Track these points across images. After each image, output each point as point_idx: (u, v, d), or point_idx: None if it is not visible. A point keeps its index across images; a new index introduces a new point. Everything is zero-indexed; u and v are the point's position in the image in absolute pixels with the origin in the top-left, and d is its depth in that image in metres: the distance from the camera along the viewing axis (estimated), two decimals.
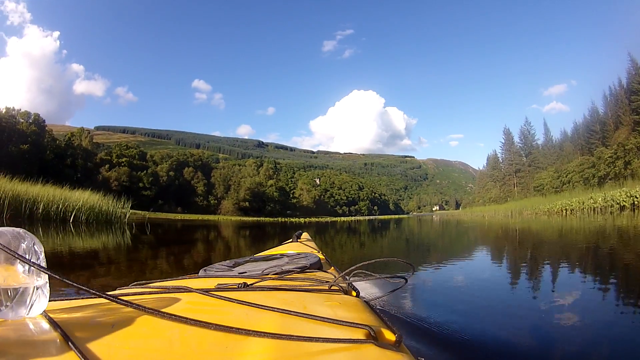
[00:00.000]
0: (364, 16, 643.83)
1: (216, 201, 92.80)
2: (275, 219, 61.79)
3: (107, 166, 76.13)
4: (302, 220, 49.68)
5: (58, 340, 0.71)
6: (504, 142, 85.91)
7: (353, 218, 77.00)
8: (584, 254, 8.01)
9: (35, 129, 65.56)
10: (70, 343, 0.69)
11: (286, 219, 57.53)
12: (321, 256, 2.35)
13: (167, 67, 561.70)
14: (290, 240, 3.44)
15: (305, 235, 3.80)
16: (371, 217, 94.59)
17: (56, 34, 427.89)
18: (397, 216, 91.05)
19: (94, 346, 0.70)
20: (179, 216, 59.44)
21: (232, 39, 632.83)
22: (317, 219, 55.90)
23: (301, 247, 3.03)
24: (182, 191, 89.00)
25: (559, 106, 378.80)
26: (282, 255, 2.19)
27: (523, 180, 77.96)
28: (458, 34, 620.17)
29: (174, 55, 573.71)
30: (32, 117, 67.02)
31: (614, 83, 61.46)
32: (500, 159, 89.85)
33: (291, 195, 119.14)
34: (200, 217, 60.90)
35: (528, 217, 39.38)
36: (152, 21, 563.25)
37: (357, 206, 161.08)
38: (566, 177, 58.26)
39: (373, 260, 1.72)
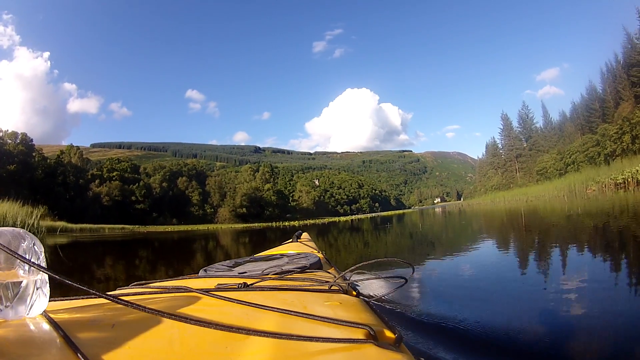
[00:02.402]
0: (352, 15, 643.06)
1: (212, 210, 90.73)
2: (269, 223, 59.07)
3: (97, 181, 74.49)
4: (296, 223, 47.30)
5: (58, 341, 0.71)
6: (502, 127, 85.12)
7: (354, 217, 74.46)
8: None
9: (23, 149, 64.34)
10: (70, 343, 0.69)
11: (279, 223, 54.87)
12: (321, 256, 2.33)
13: (159, 79, 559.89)
14: (290, 240, 3.44)
15: (305, 235, 3.80)
16: (373, 214, 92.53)
17: (46, 54, 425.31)
18: (401, 211, 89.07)
19: (94, 346, 0.70)
20: (169, 228, 57.88)
21: (221, 47, 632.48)
22: (312, 221, 52.91)
23: (301, 247, 3.03)
24: (177, 202, 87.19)
25: (553, 90, 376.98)
26: (282, 256, 2.21)
27: (525, 165, 76.93)
28: (447, 26, 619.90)
29: (165, 66, 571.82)
30: (20, 137, 65.73)
31: (609, 59, 60.82)
32: (499, 146, 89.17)
33: (290, 198, 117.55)
34: (190, 227, 58.96)
35: (592, 194, 32.05)
36: (141, 34, 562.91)
37: (358, 204, 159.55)
38: (570, 157, 56.83)
39: (373, 260, 1.73)
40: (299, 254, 2.24)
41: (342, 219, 56.88)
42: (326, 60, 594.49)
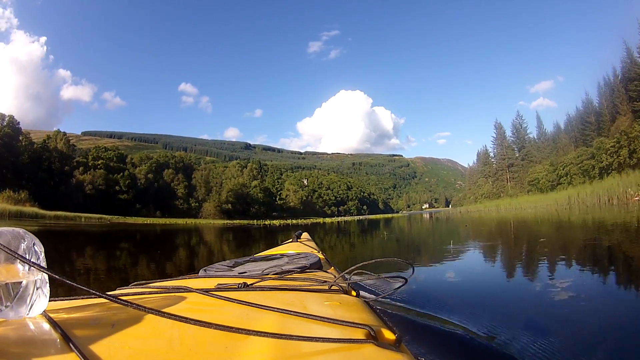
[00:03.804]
0: (349, 16, 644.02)
1: (197, 204, 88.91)
2: (249, 221, 56.94)
3: (81, 169, 72.40)
4: (277, 222, 45.07)
5: (58, 340, 0.72)
6: (495, 136, 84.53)
7: (341, 218, 72.59)
8: None
9: (8, 132, 62.27)
10: (70, 343, 0.70)
11: (260, 222, 51.53)
12: (321, 256, 2.33)
13: (154, 71, 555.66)
14: (290, 240, 3.40)
15: (305, 235, 3.76)
16: (361, 216, 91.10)
17: (43, 39, 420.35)
18: (390, 215, 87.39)
19: (94, 346, 0.71)
20: (148, 220, 55.92)
21: (217, 42, 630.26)
22: (296, 221, 49.78)
23: (301, 247, 3.03)
24: (162, 194, 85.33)
25: (546, 102, 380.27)
26: (282, 255, 2.20)
27: (516, 175, 76.36)
28: (444, 33, 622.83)
29: (160, 58, 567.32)
30: (7, 119, 63.50)
31: (607, 73, 60.38)
32: (491, 155, 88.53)
33: (277, 197, 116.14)
34: (168, 220, 57.12)
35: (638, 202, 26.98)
36: (138, 24, 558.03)
37: (346, 206, 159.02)
38: (563, 169, 55.91)
39: (373, 260, 1.74)
40: (299, 254, 2.24)
41: (328, 220, 53.64)
42: (321, 61, 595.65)
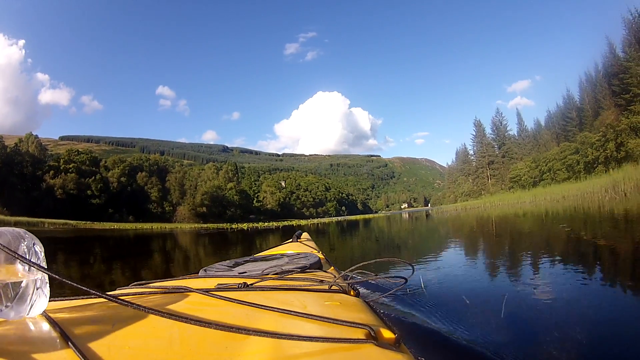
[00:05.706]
0: (326, 18, 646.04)
1: (171, 207, 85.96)
2: (217, 225, 52.53)
3: (51, 173, 69.05)
4: (244, 226, 41.28)
5: (58, 340, 0.72)
6: (475, 134, 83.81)
7: (318, 220, 69.03)
8: None
9: None
10: (70, 343, 0.70)
11: (228, 225, 46.64)
12: (321, 256, 2.33)
13: (131, 74, 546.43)
14: (290, 240, 3.39)
15: (305, 235, 3.76)
16: (339, 217, 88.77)
17: (21, 42, 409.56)
18: (370, 215, 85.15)
19: (94, 346, 0.71)
20: (115, 225, 52.05)
21: (194, 45, 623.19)
22: (266, 225, 45.38)
23: (301, 247, 3.04)
24: (135, 198, 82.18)
25: (524, 101, 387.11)
26: (282, 255, 2.22)
27: (497, 172, 75.80)
28: (422, 34, 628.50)
29: (137, 61, 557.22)
30: None
31: (588, 69, 60.58)
32: (471, 152, 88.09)
33: (255, 199, 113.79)
34: (135, 225, 53.19)
35: None
36: (115, 28, 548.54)
37: (324, 207, 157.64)
38: (546, 165, 55.01)
39: (373, 261, 1.80)
40: (298, 254, 2.25)
41: (304, 222, 49.27)
42: (298, 63, 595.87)
